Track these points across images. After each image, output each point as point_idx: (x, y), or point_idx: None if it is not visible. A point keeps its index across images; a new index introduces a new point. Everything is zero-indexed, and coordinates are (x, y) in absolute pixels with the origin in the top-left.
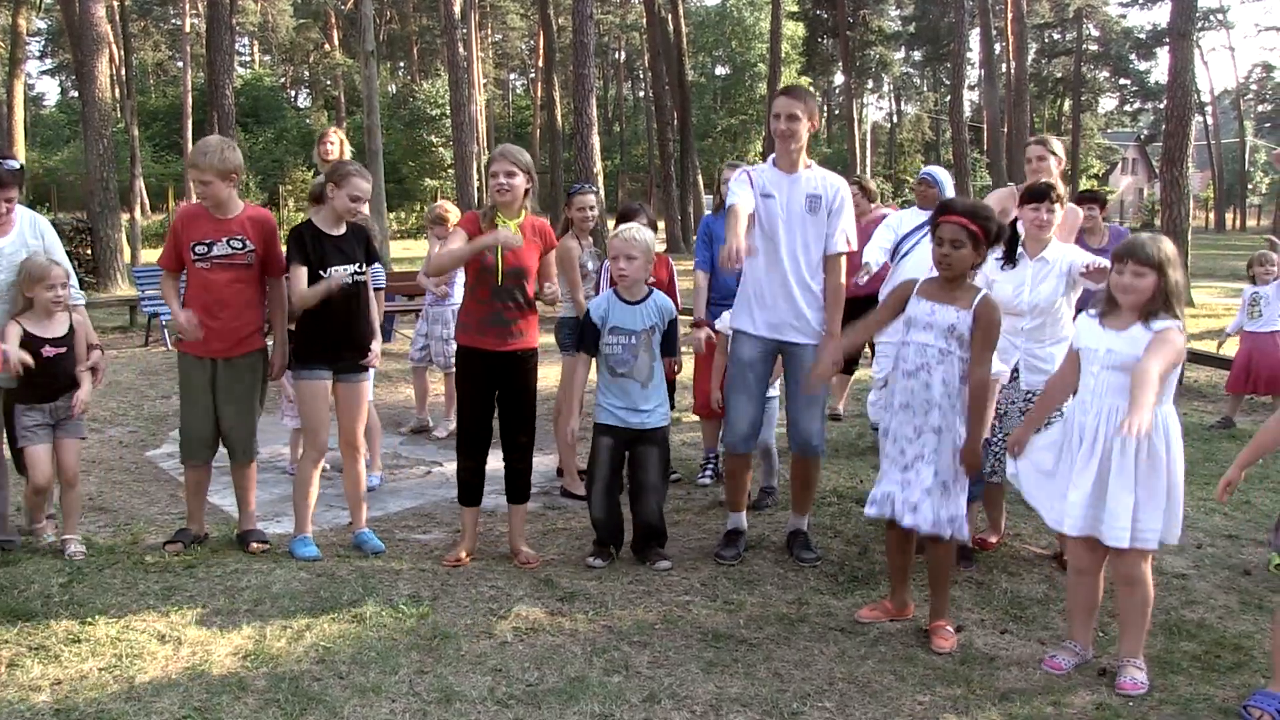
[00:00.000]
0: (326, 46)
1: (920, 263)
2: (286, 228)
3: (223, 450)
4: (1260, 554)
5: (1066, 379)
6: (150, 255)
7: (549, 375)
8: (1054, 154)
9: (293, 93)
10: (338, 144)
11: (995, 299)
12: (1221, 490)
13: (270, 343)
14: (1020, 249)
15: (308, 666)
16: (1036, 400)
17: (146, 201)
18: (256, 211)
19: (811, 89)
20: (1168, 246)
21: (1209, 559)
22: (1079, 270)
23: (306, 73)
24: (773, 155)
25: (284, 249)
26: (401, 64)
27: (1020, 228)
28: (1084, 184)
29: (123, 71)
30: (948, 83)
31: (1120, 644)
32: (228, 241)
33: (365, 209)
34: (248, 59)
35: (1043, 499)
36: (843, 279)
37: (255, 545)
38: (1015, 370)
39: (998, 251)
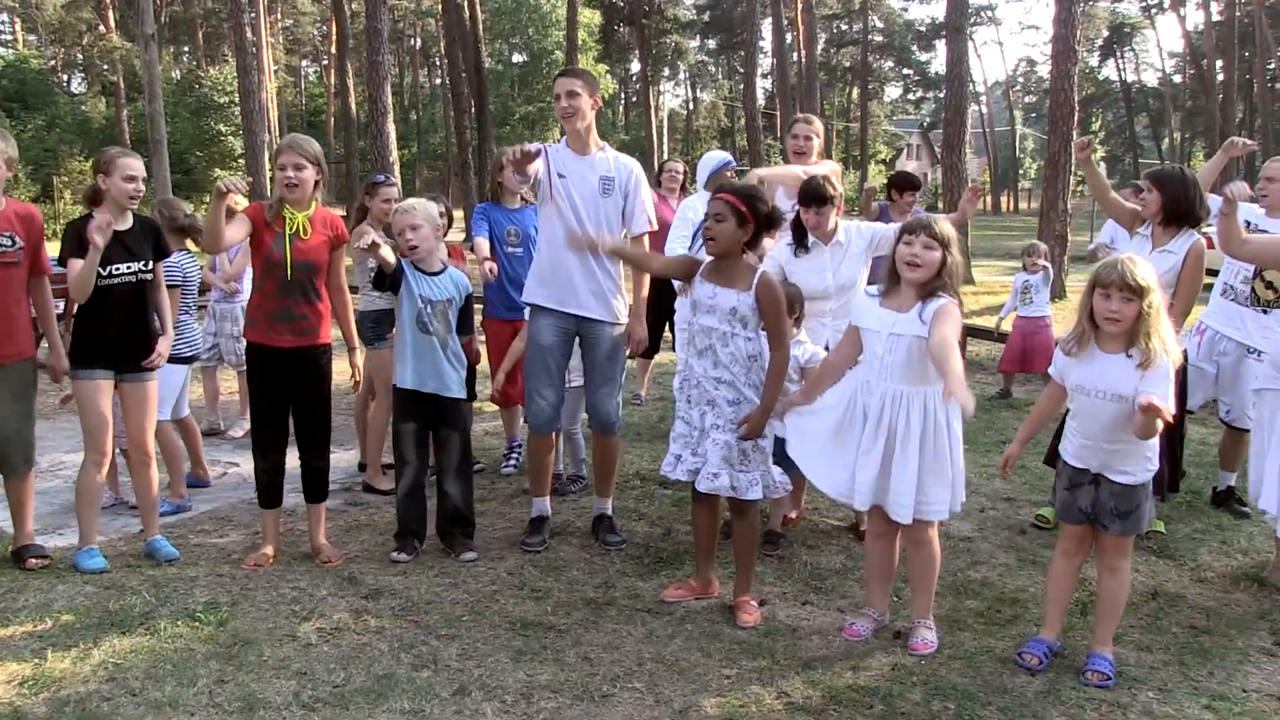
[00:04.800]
0: (101, 28)
1: None
2: (62, 222)
3: None
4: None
5: (847, 354)
6: None
7: (346, 370)
8: (819, 135)
9: (65, 77)
10: None
11: (775, 278)
12: (1003, 466)
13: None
14: (812, 237)
15: (96, 686)
16: (815, 372)
17: None
18: (22, 207)
19: (608, 75)
20: (952, 229)
21: (990, 521)
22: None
23: (80, 56)
24: (564, 138)
25: (60, 243)
26: (186, 49)
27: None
28: (873, 169)
29: None
30: (741, 71)
31: (912, 606)
32: None
33: (144, 187)
34: (9, 38)
35: (820, 474)
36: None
37: (33, 561)
38: (826, 346)
39: (788, 237)
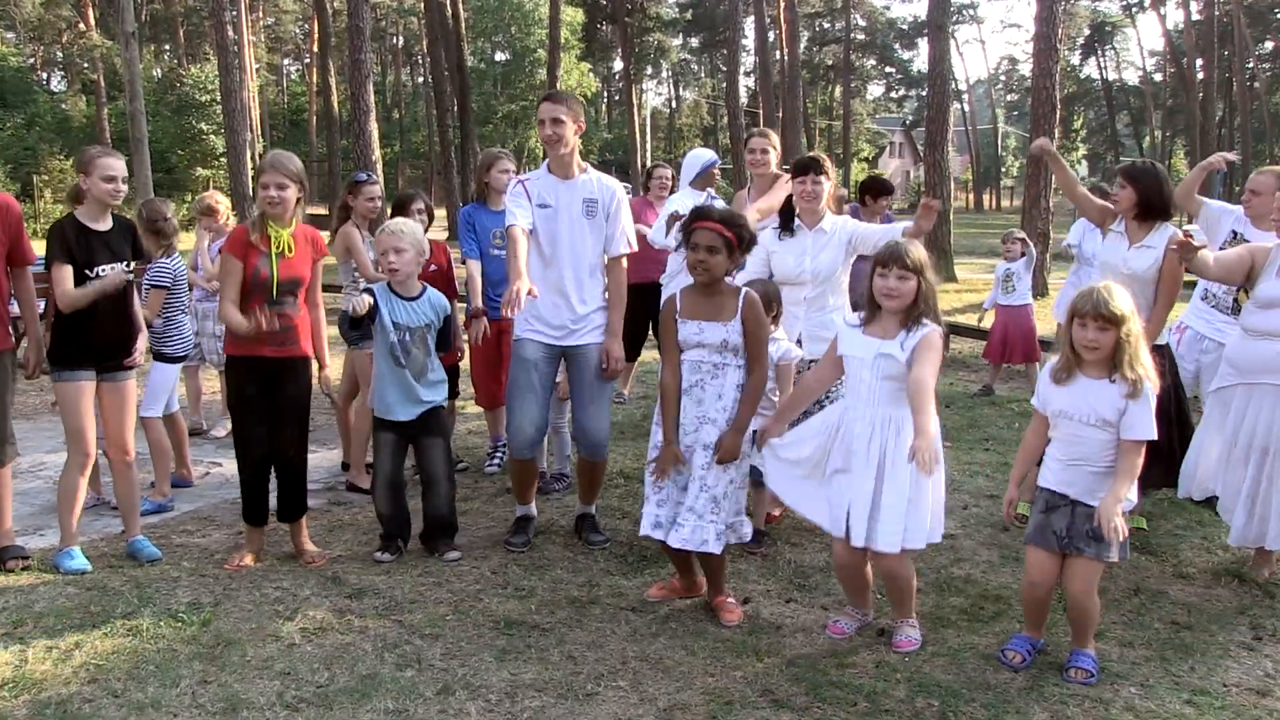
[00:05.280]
0: (81, 26)
1: None
2: (44, 220)
3: None
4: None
5: (824, 377)
6: None
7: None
8: (775, 147)
9: (44, 75)
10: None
11: (755, 295)
12: (1007, 511)
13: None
14: (797, 220)
15: (78, 688)
16: (791, 395)
17: None
18: None
19: (590, 73)
20: (923, 252)
21: (973, 519)
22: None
23: (59, 53)
24: (546, 161)
25: (45, 245)
26: (167, 47)
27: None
28: (855, 167)
29: None
30: (724, 69)
31: (893, 612)
32: None
33: (124, 187)
34: None
35: (802, 501)
36: (624, 279)
37: (13, 562)
38: (798, 340)
39: (774, 221)
